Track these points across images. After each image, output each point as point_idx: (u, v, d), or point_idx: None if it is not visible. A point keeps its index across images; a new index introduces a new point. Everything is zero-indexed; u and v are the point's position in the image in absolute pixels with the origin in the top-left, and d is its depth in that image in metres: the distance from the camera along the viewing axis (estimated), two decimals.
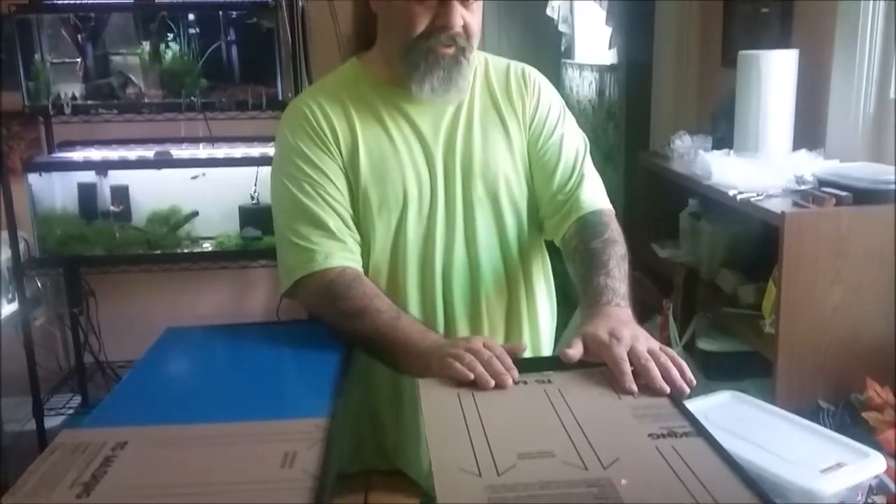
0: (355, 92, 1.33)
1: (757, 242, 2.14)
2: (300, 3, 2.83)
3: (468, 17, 1.25)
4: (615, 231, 1.32)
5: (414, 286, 1.33)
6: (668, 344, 2.12)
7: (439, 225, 1.32)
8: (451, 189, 1.32)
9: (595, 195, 1.37)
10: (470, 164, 1.33)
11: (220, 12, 2.86)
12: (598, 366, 1.06)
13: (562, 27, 4.28)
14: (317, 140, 1.30)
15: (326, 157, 1.29)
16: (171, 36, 2.84)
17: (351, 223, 1.30)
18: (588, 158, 1.40)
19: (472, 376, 1.02)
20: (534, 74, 1.41)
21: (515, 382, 1.02)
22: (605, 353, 1.05)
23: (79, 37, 2.89)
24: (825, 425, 1.36)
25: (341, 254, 1.27)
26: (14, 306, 2.80)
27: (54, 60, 2.88)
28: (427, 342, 1.16)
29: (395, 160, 1.30)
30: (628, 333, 1.07)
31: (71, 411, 3.08)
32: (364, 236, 1.32)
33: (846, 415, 1.61)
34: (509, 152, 1.35)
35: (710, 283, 2.23)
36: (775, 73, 2.11)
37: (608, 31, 3.58)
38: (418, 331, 1.20)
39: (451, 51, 1.25)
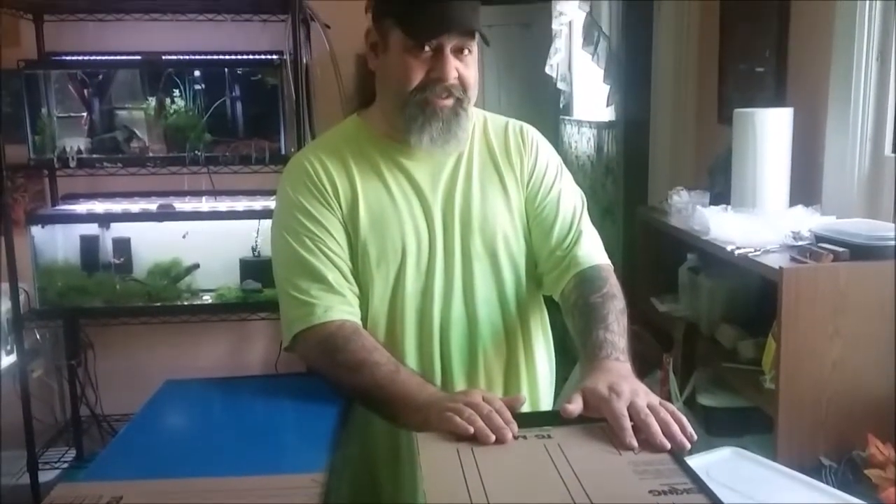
0: (355, 147, 1.35)
1: (756, 297, 2.14)
2: (304, 61, 2.88)
3: (463, 70, 1.27)
4: (614, 286, 1.33)
5: (412, 340, 1.33)
6: (669, 399, 2.10)
7: (437, 279, 1.33)
8: (449, 244, 1.34)
9: (593, 250, 1.38)
10: (468, 219, 1.34)
11: (226, 69, 2.91)
12: (598, 421, 1.05)
13: (560, 85, 4.35)
14: (317, 195, 1.31)
15: (327, 211, 1.31)
16: (176, 91, 2.88)
17: (350, 277, 1.31)
18: (585, 214, 1.42)
19: (471, 430, 1.01)
20: (531, 132, 1.43)
21: (515, 437, 1.02)
22: (605, 407, 1.04)
23: (85, 91, 2.93)
24: (827, 482, 1.34)
25: (340, 307, 1.28)
26: (12, 358, 2.79)
27: (60, 114, 2.92)
28: (425, 395, 1.16)
29: (394, 214, 1.32)
30: (628, 388, 1.07)
31: (66, 465, 3.04)
32: (363, 289, 1.32)
33: (848, 472, 1.59)
34: (507, 209, 1.37)
35: (710, 337, 2.22)
36: (771, 130, 2.13)
37: (606, 88, 3.64)
38: (417, 384, 1.20)
39: (448, 102, 1.27)
